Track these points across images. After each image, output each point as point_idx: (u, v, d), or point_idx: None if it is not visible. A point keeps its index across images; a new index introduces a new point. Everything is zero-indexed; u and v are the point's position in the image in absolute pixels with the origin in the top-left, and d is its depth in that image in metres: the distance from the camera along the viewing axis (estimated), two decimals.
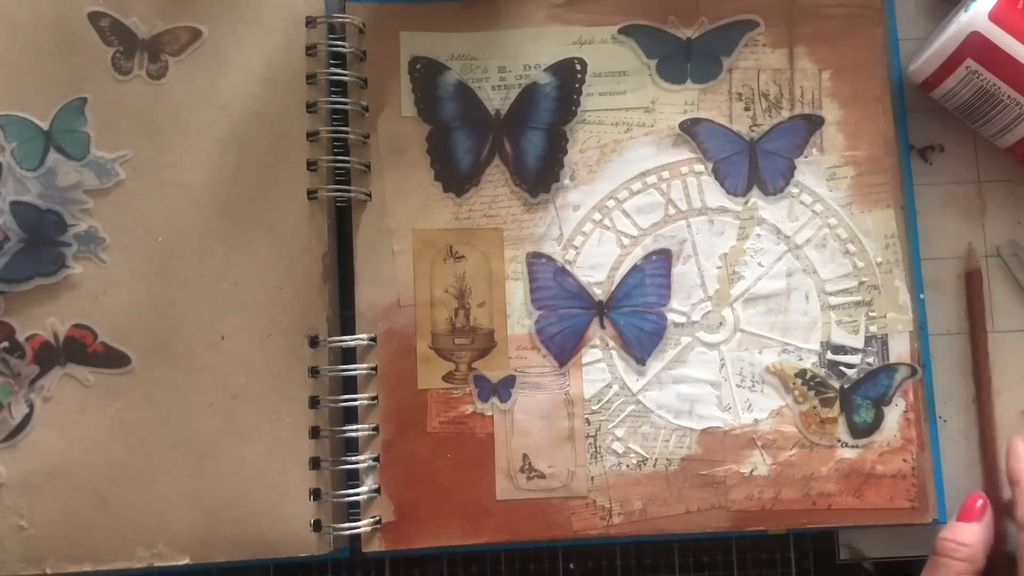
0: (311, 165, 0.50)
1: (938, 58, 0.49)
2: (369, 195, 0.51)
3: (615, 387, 0.50)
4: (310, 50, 0.50)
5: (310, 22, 0.51)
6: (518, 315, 0.51)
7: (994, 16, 0.47)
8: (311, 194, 0.50)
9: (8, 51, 0.49)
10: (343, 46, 0.51)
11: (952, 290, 0.52)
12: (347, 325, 0.51)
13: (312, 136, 0.50)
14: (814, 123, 0.51)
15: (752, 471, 0.49)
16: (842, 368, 0.50)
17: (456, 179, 0.51)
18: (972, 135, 0.53)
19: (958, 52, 0.48)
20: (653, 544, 0.52)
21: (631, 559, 0.51)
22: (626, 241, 0.51)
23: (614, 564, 0.51)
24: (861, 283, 0.51)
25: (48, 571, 0.47)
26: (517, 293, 0.51)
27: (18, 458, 0.48)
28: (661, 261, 0.51)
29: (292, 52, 0.50)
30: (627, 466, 0.50)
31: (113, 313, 0.49)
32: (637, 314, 0.51)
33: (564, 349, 0.50)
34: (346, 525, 0.49)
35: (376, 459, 0.49)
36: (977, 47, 0.48)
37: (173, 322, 0.49)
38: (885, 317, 0.50)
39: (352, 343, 0.50)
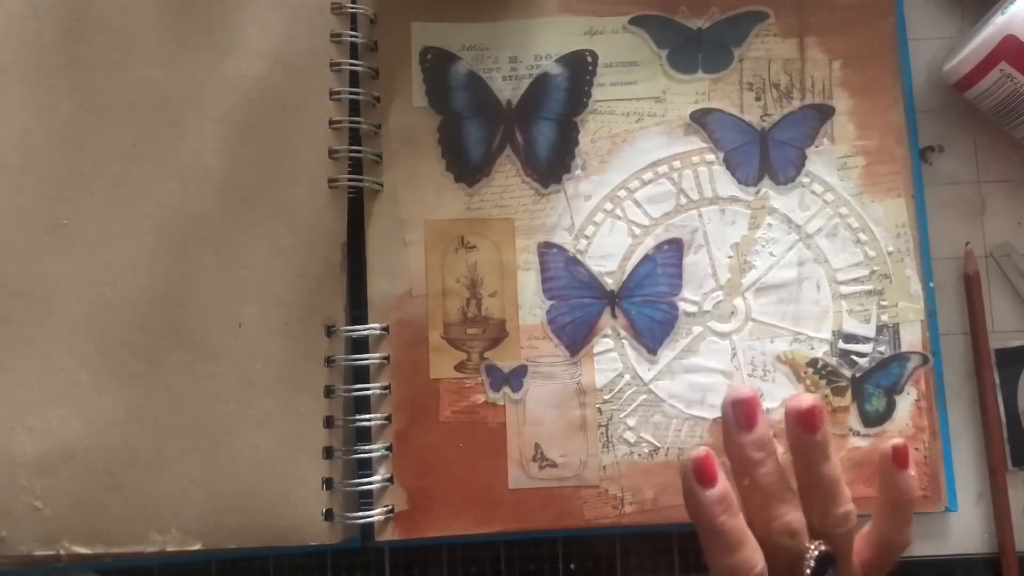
0: (333, 153, 0.50)
1: (972, 60, 0.49)
2: (381, 185, 0.51)
3: (627, 376, 0.50)
4: (335, 37, 0.50)
5: (335, 8, 0.51)
6: (530, 305, 0.51)
7: None
8: (332, 182, 0.50)
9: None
10: (355, 36, 0.51)
11: (952, 290, 0.53)
12: (355, 315, 0.51)
13: (335, 124, 0.50)
14: (825, 113, 0.52)
15: None
16: (854, 357, 0.50)
17: (467, 169, 0.51)
18: (972, 136, 0.53)
19: (992, 55, 0.48)
20: (654, 544, 0.51)
21: (631, 559, 0.51)
22: (637, 231, 0.51)
23: (614, 564, 0.51)
24: (872, 272, 0.51)
25: (62, 552, 0.47)
26: (529, 283, 0.51)
27: (35, 439, 0.48)
28: (672, 250, 0.51)
29: (316, 39, 0.50)
30: (639, 455, 0.50)
31: (131, 297, 0.49)
32: (648, 304, 0.51)
33: (576, 339, 0.50)
34: (359, 514, 0.49)
35: (389, 448, 0.49)
36: (1012, 50, 0.48)
37: (191, 308, 0.48)
38: (896, 306, 0.50)
39: (365, 332, 0.50)
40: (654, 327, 0.51)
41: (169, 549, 0.47)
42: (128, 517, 0.47)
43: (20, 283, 0.48)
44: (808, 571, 0.41)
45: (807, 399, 0.42)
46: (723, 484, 0.41)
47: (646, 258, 0.51)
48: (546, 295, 0.51)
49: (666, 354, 0.50)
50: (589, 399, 0.50)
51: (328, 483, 0.48)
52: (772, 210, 0.51)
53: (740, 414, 0.42)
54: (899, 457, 0.43)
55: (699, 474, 0.42)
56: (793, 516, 0.42)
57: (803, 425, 0.42)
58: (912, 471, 0.44)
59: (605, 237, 0.51)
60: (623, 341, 0.50)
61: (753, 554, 0.41)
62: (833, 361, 0.50)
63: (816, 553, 0.41)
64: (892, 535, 0.44)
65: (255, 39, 0.50)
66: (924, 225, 0.52)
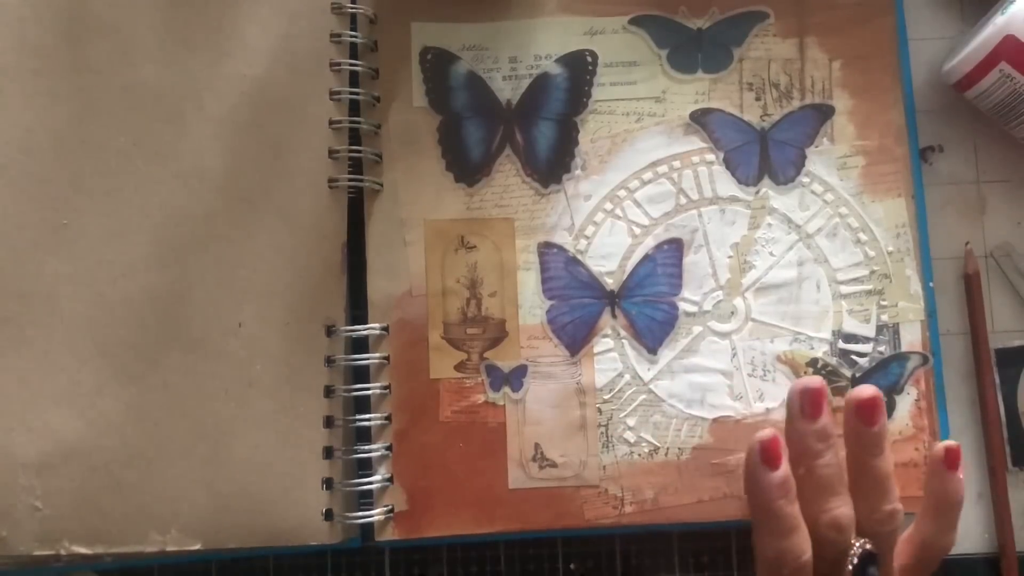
0: (333, 153, 0.50)
1: (972, 60, 0.49)
2: (381, 185, 0.51)
3: (627, 376, 0.50)
4: (334, 37, 0.50)
5: (335, 8, 0.51)
6: (530, 305, 0.51)
7: None
8: (331, 182, 0.50)
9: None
10: (355, 36, 0.51)
11: (952, 290, 0.52)
12: (355, 315, 0.51)
13: (335, 124, 0.50)
14: (825, 113, 0.52)
15: None
16: (854, 357, 0.50)
17: (467, 169, 0.51)
18: (972, 135, 0.53)
19: (992, 55, 0.48)
20: (654, 544, 0.51)
21: (631, 559, 0.51)
22: (637, 231, 0.51)
23: (614, 564, 0.51)
24: (872, 272, 0.51)
25: (62, 552, 0.47)
26: (529, 283, 0.51)
27: (35, 439, 0.48)
28: (672, 250, 0.51)
29: (316, 39, 0.50)
30: (639, 455, 0.50)
31: (132, 297, 0.49)
32: (648, 303, 0.51)
33: (576, 339, 0.50)
34: (359, 514, 0.49)
35: (389, 448, 0.49)
36: (1012, 50, 0.48)
37: (191, 307, 0.48)
38: (896, 306, 0.51)
39: (365, 332, 0.50)
40: (654, 327, 0.51)
41: (169, 549, 0.47)
42: (128, 517, 0.47)
43: (20, 283, 0.48)
44: (851, 567, 0.41)
45: (868, 390, 0.42)
46: (785, 468, 0.42)
47: (646, 258, 0.51)
48: (546, 295, 0.51)
49: (666, 354, 0.50)
50: (589, 399, 0.50)
51: (328, 483, 0.48)
52: (772, 210, 0.51)
53: (807, 403, 0.42)
54: (950, 458, 0.43)
55: (765, 455, 0.42)
56: (842, 511, 0.42)
57: (862, 416, 0.42)
58: (960, 474, 0.43)
59: (605, 237, 0.51)
60: (623, 341, 0.50)
61: (802, 542, 0.41)
62: (833, 361, 0.50)
63: (860, 551, 0.41)
64: (935, 538, 0.44)
65: (255, 39, 0.50)
66: (924, 225, 0.52)
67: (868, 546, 0.42)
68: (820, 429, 0.42)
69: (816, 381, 0.43)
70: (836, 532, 0.41)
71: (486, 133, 0.52)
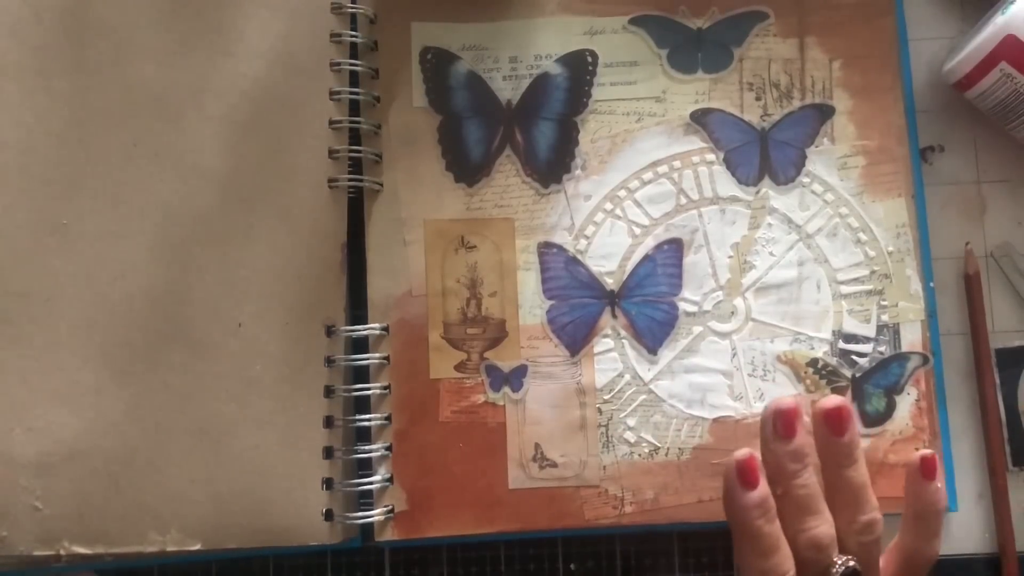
0: (333, 153, 0.50)
1: (972, 60, 0.49)
2: (381, 185, 0.51)
3: (627, 376, 0.50)
4: (335, 37, 0.50)
5: (335, 8, 0.51)
6: (530, 305, 0.51)
7: None
8: (331, 182, 0.50)
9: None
10: (355, 36, 0.51)
11: (952, 290, 0.52)
12: (355, 315, 0.51)
13: (335, 124, 0.50)
14: (825, 113, 0.52)
15: None
16: (854, 357, 0.50)
17: (467, 169, 0.51)
18: (972, 135, 0.53)
19: (993, 55, 0.48)
20: (654, 544, 0.51)
21: (631, 559, 0.51)
22: (637, 231, 0.51)
23: (614, 564, 0.51)
24: (872, 272, 0.51)
25: (62, 552, 0.47)
26: (529, 283, 0.51)
27: (35, 439, 0.48)
28: (672, 250, 0.51)
29: (316, 39, 0.50)
30: (639, 455, 0.50)
31: (132, 297, 0.49)
32: (649, 303, 0.51)
33: (576, 339, 0.50)
34: (359, 514, 0.49)
35: (388, 448, 0.49)
36: (1012, 50, 0.48)
37: (191, 307, 0.48)
38: (896, 306, 0.51)
39: (365, 332, 0.50)
40: (654, 327, 0.51)
41: (169, 549, 0.47)
42: (128, 517, 0.47)
43: (20, 283, 0.48)
44: None
45: (834, 399, 0.42)
46: (763, 488, 0.41)
47: (646, 258, 0.51)
48: (546, 295, 0.51)
49: (666, 354, 0.50)
50: (589, 399, 0.50)
51: (328, 483, 0.48)
52: (772, 210, 0.51)
53: (779, 423, 0.42)
54: (926, 468, 0.43)
55: (741, 475, 0.42)
56: (822, 530, 0.41)
57: (830, 426, 0.42)
58: (939, 483, 0.43)
59: (605, 237, 0.51)
60: (623, 341, 0.50)
61: (784, 561, 0.41)
62: (833, 361, 0.50)
63: (843, 568, 0.41)
64: (918, 547, 0.43)
65: (255, 39, 0.50)
66: (924, 225, 0.52)
67: (852, 563, 0.41)
68: (794, 449, 0.42)
69: (788, 402, 0.43)
70: (816, 552, 0.41)
71: (486, 133, 0.52)
